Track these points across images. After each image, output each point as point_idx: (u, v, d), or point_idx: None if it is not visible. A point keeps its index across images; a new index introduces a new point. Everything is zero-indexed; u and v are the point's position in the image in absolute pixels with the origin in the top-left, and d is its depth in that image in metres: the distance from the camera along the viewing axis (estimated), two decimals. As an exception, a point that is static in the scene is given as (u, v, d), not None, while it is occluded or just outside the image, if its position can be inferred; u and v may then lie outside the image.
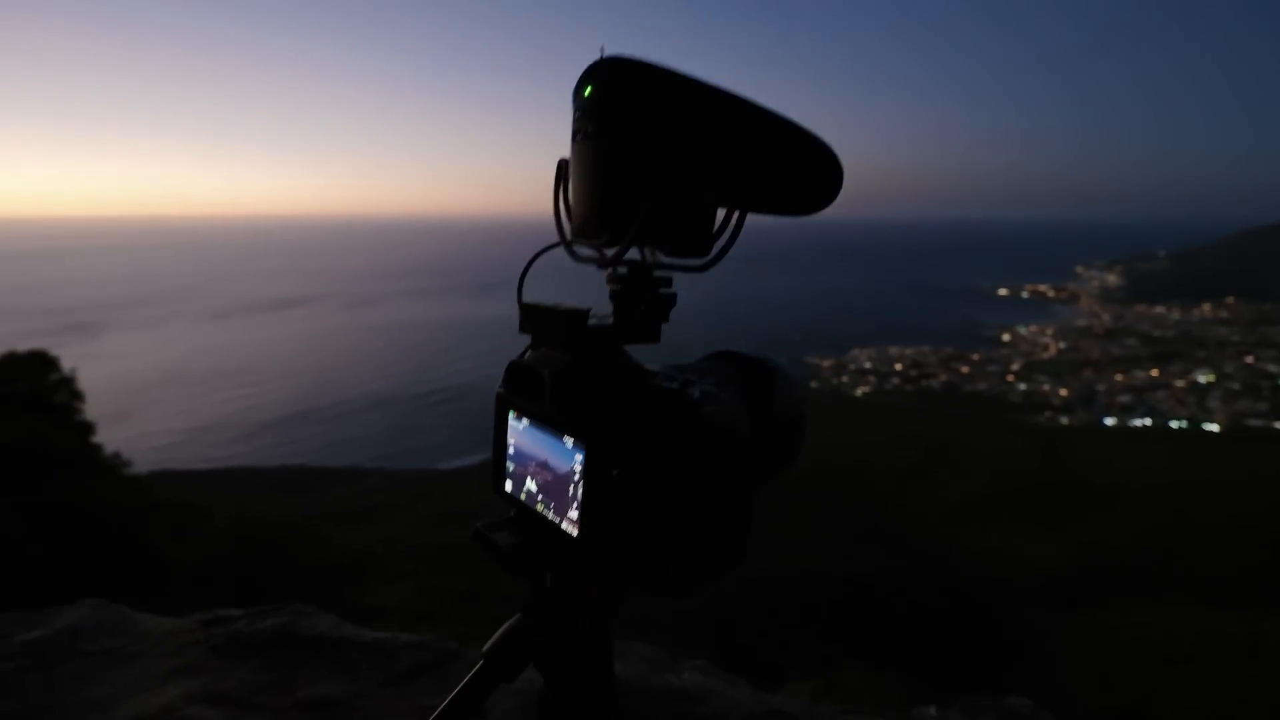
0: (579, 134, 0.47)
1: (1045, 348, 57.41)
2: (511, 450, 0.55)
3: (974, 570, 19.20)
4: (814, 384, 48.19)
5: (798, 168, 0.53)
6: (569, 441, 0.48)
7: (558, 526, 0.50)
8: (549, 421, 0.51)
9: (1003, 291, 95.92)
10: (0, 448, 7.75)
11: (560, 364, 0.49)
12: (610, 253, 0.50)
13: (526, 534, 0.52)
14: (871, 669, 12.34)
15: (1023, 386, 47.25)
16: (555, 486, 0.50)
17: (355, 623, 1.30)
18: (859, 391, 46.70)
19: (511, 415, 0.55)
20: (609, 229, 0.48)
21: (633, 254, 0.52)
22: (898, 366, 51.58)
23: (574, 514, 0.48)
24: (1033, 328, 63.81)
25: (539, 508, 0.52)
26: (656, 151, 0.46)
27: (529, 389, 0.50)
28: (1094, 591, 17.85)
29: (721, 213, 0.53)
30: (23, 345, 10.42)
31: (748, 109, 0.49)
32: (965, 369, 50.84)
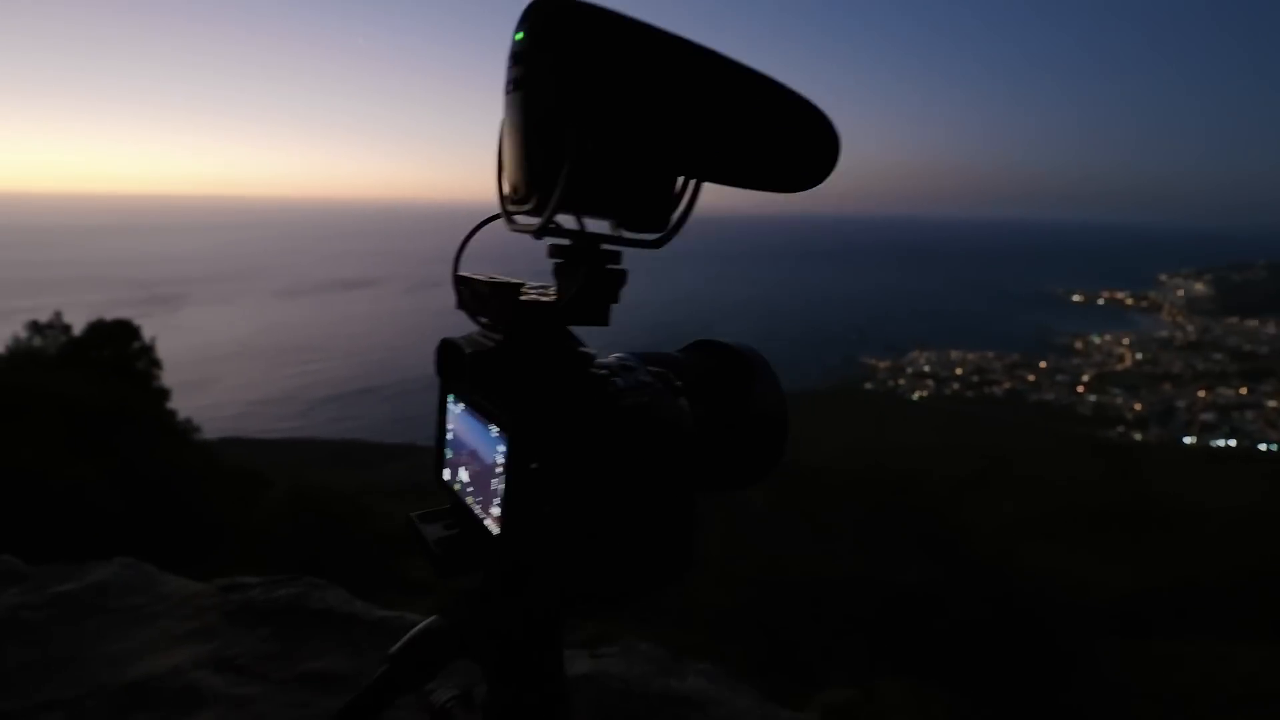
0: (508, 85, 0.41)
1: (1120, 358, 54.09)
2: (450, 436, 0.51)
3: (1031, 588, 18.27)
4: (869, 385, 46.80)
5: (777, 134, 0.46)
6: (494, 430, 0.44)
7: (482, 522, 0.46)
8: (477, 407, 0.47)
9: (1077, 298, 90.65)
10: (88, 408, 8.36)
11: (485, 344, 0.45)
12: (527, 220, 0.44)
13: (457, 529, 0.48)
14: (914, 682, 11.97)
15: (1094, 398, 44.57)
16: (482, 478, 0.46)
17: (404, 594, 1.29)
18: (916, 395, 45.03)
19: (451, 398, 0.51)
20: (536, 193, 0.42)
21: (592, 226, 0.46)
22: (958, 371, 49.52)
23: (495, 510, 0.44)
24: (1108, 337, 60.14)
25: (469, 500, 0.48)
26: (586, 101, 0.39)
27: (455, 369, 0.46)
28: (1164, 621, 16.71)
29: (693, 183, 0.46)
30: (110, 314, 11.21)
31: (711, 60, 0.42)
32: (1031, 377, 48.26)
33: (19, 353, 10.36)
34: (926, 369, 50.01)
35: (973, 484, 24.47)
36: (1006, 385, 46.86)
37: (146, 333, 10.94)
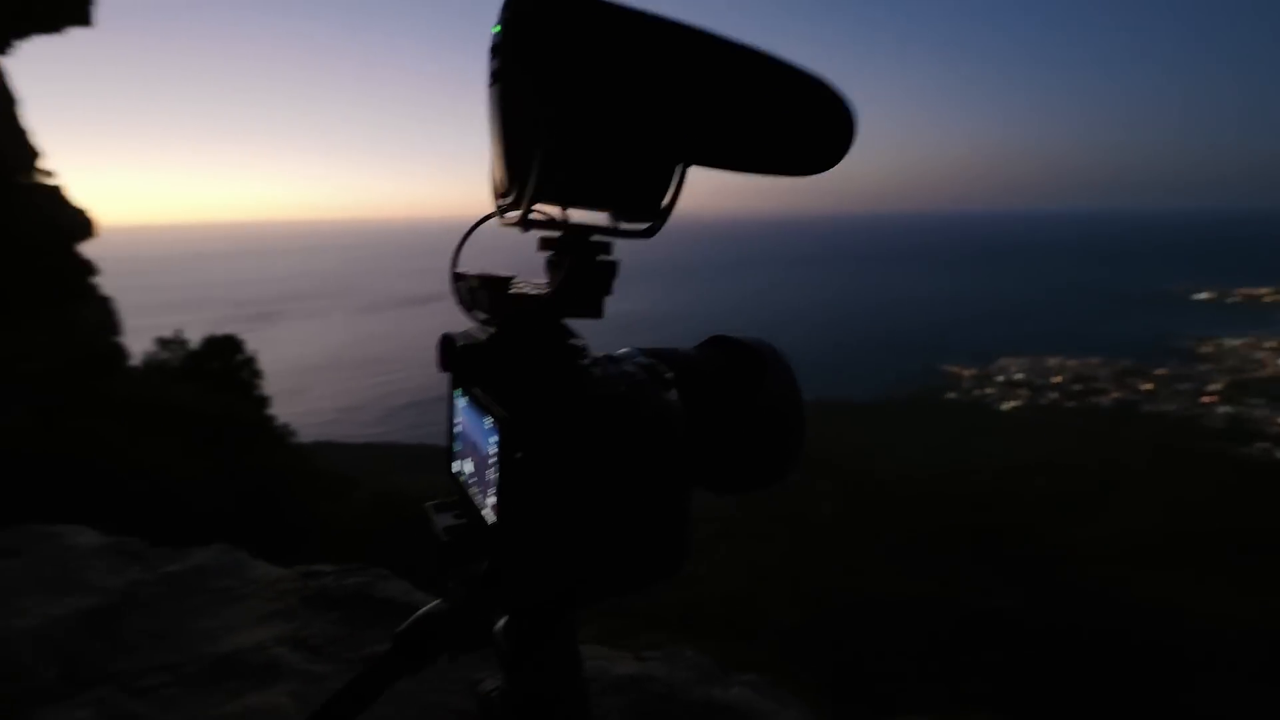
0: (489, 79, 0.41)
1: (1261, 364, 47.13)
2: (457, 429, 0.53)
3: (1140, 621, 16.45)
4: (951, 395, 44.06)
5: (779, 114, 0.44)
6: (488, 422, 0.45)
7: (480, 512, 0.47)
8: (475, 400, 0.48)
9: (1203, 295, 79.93)
10: (202, 415, 9.23)
11: (478, 337, 0.46)
12: (511, 214, 0.43)
13: (464, 519, 0.49)
14: (998, 715, 11.15)
15: (1225, 409, 38.97)
16: (480, 469, 0.47)
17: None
18: (1006, 406, 41.82)
19: (457, 393, 0.52)
20: (517, 185, 0.42)
21: (581, 217, 0.45)
22: (1056, 380, 45.51)
23: (491, 499, 0.45)
24: (1245, 340, 52.25)
25: (472, 491, 0.49)
26: (560, 91, 0.39)
27: (451, 363, 0.47)
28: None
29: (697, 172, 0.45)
30: (219, 330, 12.32)
31: (701, 40, 0.40)
32: (1147, 386, 43.32)
33: (150, 366, 11.58)
34: (1019, 377, 46.30)
35: (1075, 503, 22.38)
36: (1115, 395, 42.49)
37: (249, 347, 11.96)
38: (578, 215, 0.46)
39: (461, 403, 0.52)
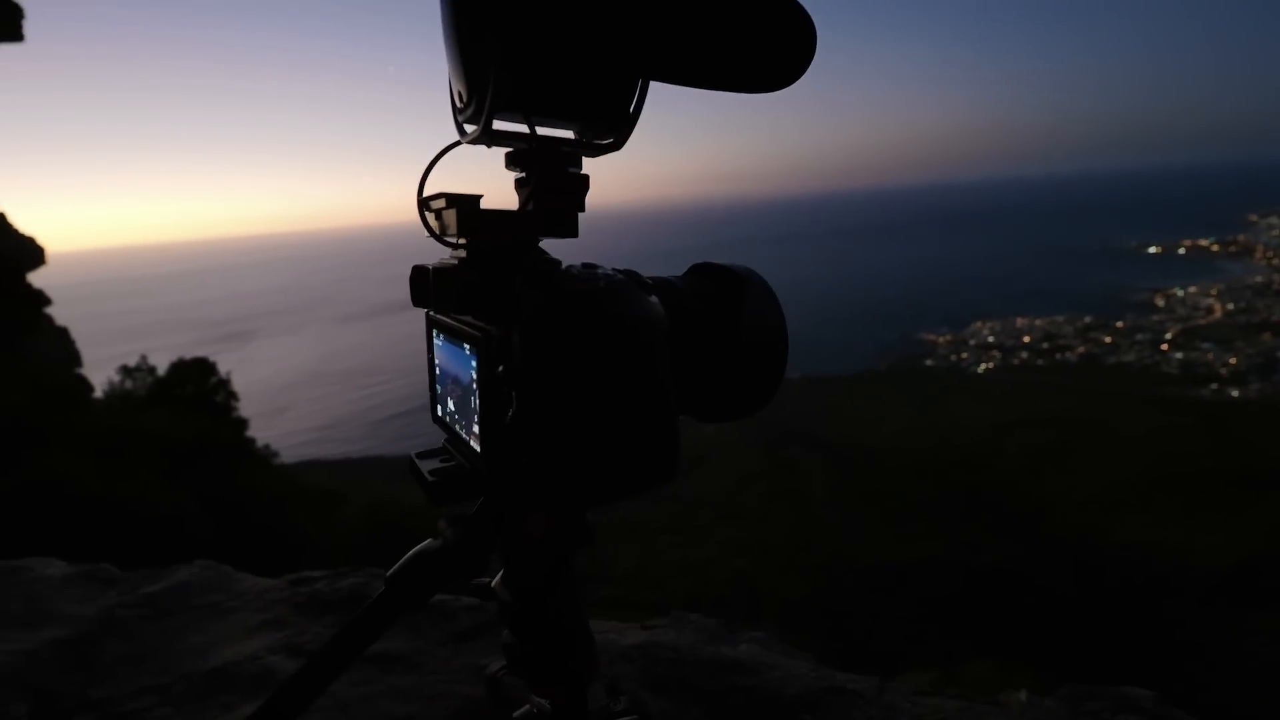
0: None
1: (1209, 310, 49.94)
2: (438, 372, 0.52)
3: (1124, 563, 17.16)
4: (929, 362, 45.05)
5: (740, 27, 0.43)
6: (466, 348, 0.44)
7: (468, 444, 0.46)
8: (449, 330, 0.46)
9: (1153, 249, 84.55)
10: (175, 442, 8.97)
11: (450, 262, 0.44)
12: (473, 128, 0.42)
13: (452, 459, 0.48)
14: (1001, 661, 11.48)
15: (1180, 356, 41.34)
16: (464, 401, 0.45)
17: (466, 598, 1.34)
18: (981, 368, 43.07)
19: (435, 333, 0.51)
20: (475, 97, 0.41)
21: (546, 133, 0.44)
22: (1025, 340, 47.03)
23: (475, 427, 0.44)
24: (1192, 288, 55.54)
25: (458, 428, 0.48)
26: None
27: (423, 293, 0.45)
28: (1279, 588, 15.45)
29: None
30: (189, 354, 11.98)
31: None
32: (1108, 339, 45.31)
33: (114, 396, 11.22)
34: (990, 340, 47.73)
35: (1050, 456, 23.15)
36: (1080, 350, 44.19)
37: (222, 368, 11.67)
38: (543, 131, 0.44)
39: (439, 341, 0.50)
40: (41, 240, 9.94)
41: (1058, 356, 43.71)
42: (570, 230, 0.46)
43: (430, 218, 0.46)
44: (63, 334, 10.04)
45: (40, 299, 9.73)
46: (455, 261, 0.44)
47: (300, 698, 0.45)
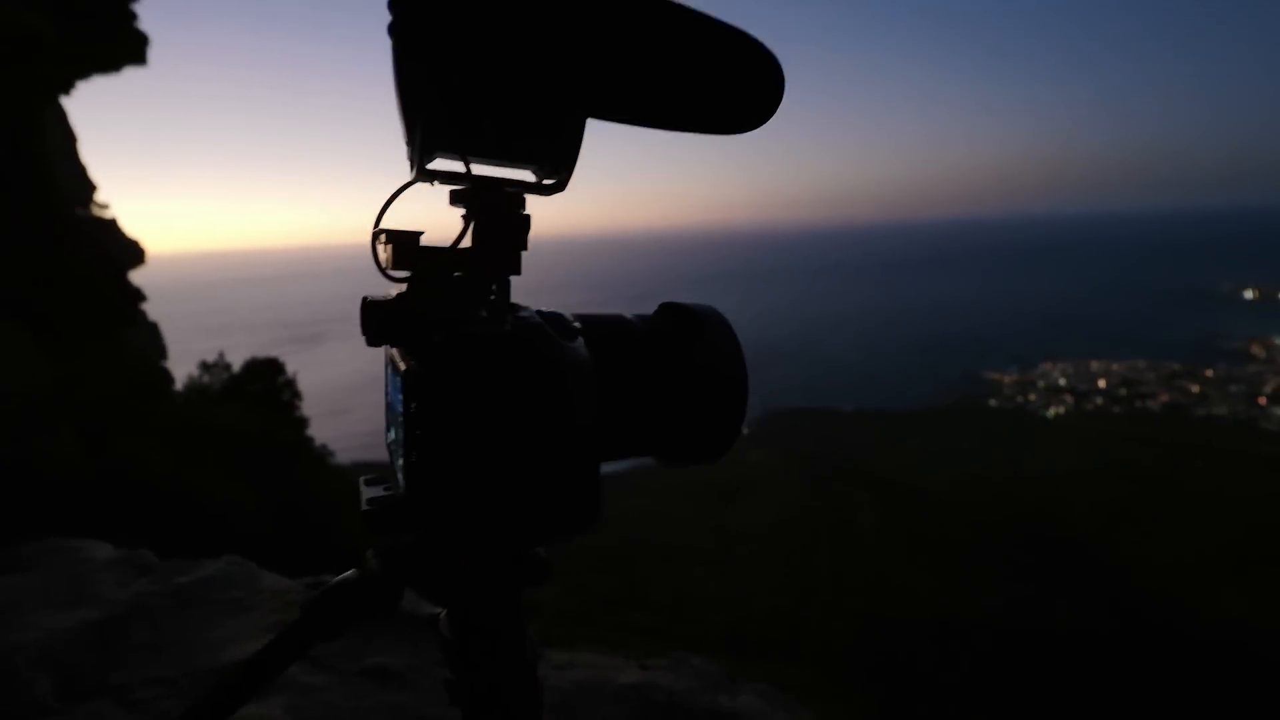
0: (388, 31, 0.40)
1: (1315, 364, 46.12)
2: (387, 397, 0.51)
3: (1218, 636, 15.51)
4: (993, 402, 42.94)
5: (698, 68, 0.42)
6: (398, 379, 0.44)
7: (398, 475, 0.45)
8: (391, 360, 0.47)
9: (1249, 294, 78.76)
10: (242, 436, 9.48)
11: (388, 294, 0.44)
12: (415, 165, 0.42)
13: (392, 488, 0.48)
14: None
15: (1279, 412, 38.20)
16: (397, 432, 0.46)
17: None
18: (1050, 412, 40.67)
19: (387, 358, 0.50)
20: (408, 139, 0.41)
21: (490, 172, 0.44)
22: (1101, 384, 44.27)
23: (400, 461, 0.44)
24: (1294, 338, 51.55)
25: (395, 457, 0.48)
26: (446, 32, 0.37)
27: (361, 324, 0.45)
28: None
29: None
30: (263, 353, 12.70)
31: None
32: (1196, 388, 42.13)
33: (192, 389, 11.99)
34: (1062, 382, 45.15)
35: (1129, 514, 21.39)
36: (1165, 399, 41.17)
37: (292, 368, 12.30)
38: (485, 170, 0.44)
39: (389, 370, 0.50)
40: (143, 243, 10.80)
41: (1137, 404, 40.89)
42: (513, 267, 0.46)
43: (380, 251, 0.47)
44: (153, 329, 10.82)
45: (138, 295, 10.54)
46: (393, 295, 0.45)
47: None
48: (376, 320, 0.43)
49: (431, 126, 0.40)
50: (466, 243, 0.46)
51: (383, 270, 0.46)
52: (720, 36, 0.42)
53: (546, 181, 0.46)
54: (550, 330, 0.43)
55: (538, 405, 0.42)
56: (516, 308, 0.46)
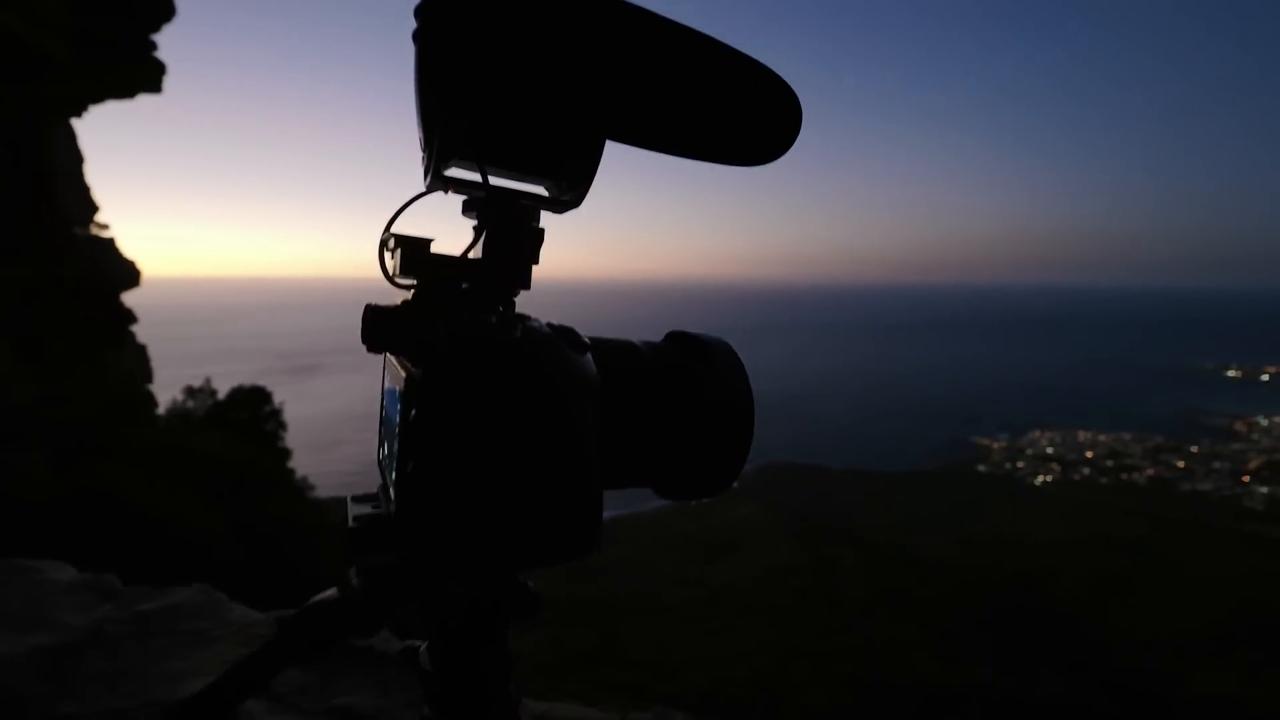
0: (412, 38, 0.39)
1: (1300, 444, 46.54)
2: (383, 412, 0.50)
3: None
4: (982, 468, 42.87)
5: (718, 97, 0.42)
6: (397, 390, 0.42)
7: (389, 492, 0.43)
8: (391, 370, 0.45)
9: (1233, 373, 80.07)
10: (223, 464, 9.28)
11: (393, 301, 0.43)
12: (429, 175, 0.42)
13: (381, 506, 0.46)
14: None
15: (1264, 490, 38.23)
16: (391, 446, 0.44)
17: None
18: (1039, 480, 40.62)
19: (385, 372, 0.49)
20: (431, 139, 0.40)
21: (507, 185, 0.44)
22: (1089, 455, 44.37)
23: (393, 474, 0.41)
24: (1279, 418, 52.22)
25: (386, 474, 0.46)
26: (474, 42, 0.37)
27: (363, 332, 0.43)
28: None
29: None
30: (256, 381, 12.59)
31: (635, 16, 0.39)
32: (1181, 463, 42.35)
33: (175, 415, 11.80)
34: (1050, 451, 45.24)
35: (1115, 587, 21.16)
36: (1150, 472, 41.27)
37: (286, 398, 12.19)
38: (500, 182, 0.44)
39: (386, 382, 0.49)
40: (139, 265, 10.82)
41: (1123, 477, 40.94)
42: (522, 281, 0.45)
43: (387, 258, 0.46)
44: (141, 351, 10.73)
45: (128, 317, 10.49)
46: (399, 302, 0.44)
47: None
48: (380, 326, 0.41)
49: (450, 133, 0.40)
50: (476, 253, 0.45)
51: (389, 277, 0.45)
52: (742, 68, 0.43)
53: (562, 198, 0.45)
54: (561, 342, 0.42)
55: (545, 417, 0.40)
56: (525, 318, 0.45)
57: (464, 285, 0.44)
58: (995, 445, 46.89)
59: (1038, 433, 48.61)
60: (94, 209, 10.58)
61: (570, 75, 0.40)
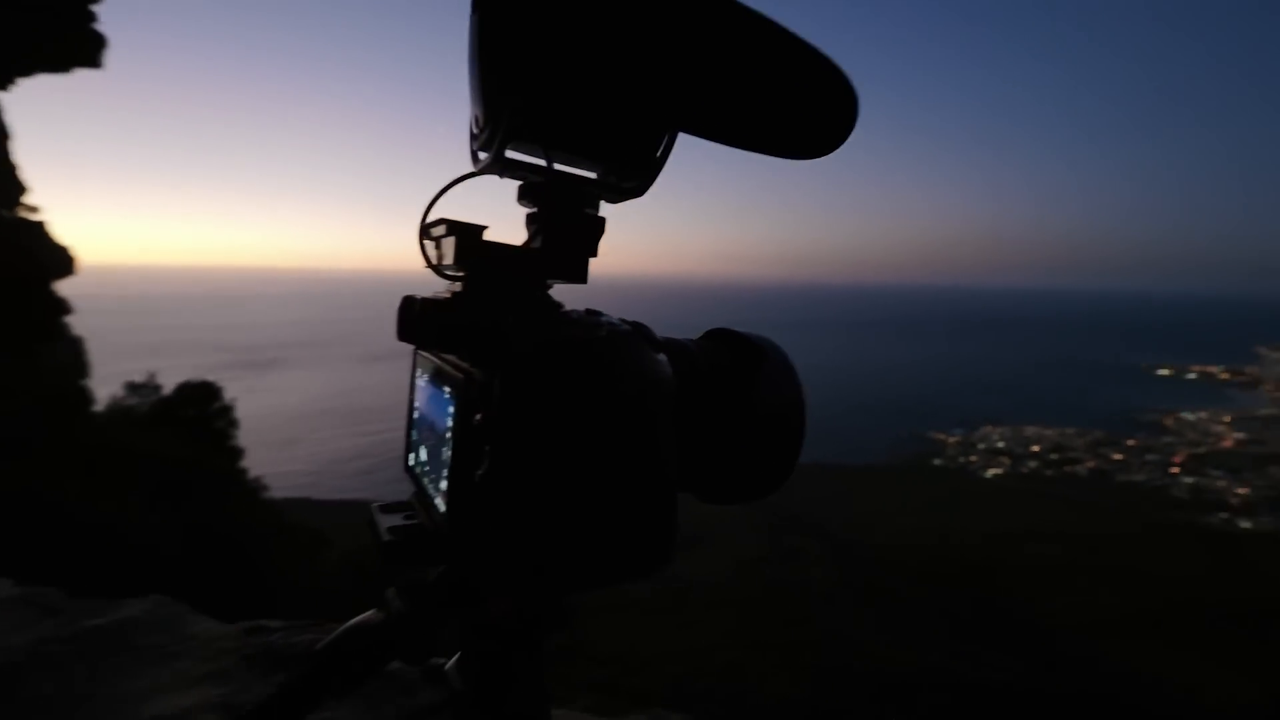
0: (471, 6, 0.37)
1: (1219, 437, 49.52)
2: (416, 415, 0.45)
3: (1144, 697, 16.19)
4: (938, 461, 44.41)
5: (783, 88, 0.40)
6: (447, 391, 0.38)
7: (434, 501, 0.39)
8: (433, 370, 0.41)
9: (1164, 371, 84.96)
10: (169, 463, 8.83)
11: (441, 294, 0.40)
12: (486, 155, 0.39)
13: (416, 516, 0.41)
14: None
15: (1190, 480, 40.68)
16: (436, 451, 0.39)
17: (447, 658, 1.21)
18: (990, 473, 42.40)
19: (419, 372, 0.44)
20: (490, 124, 0.37)
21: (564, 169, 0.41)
22: (1035, 449, 46.44)
23: (444, 483, 0.38)
24: (1202, 414, 55.39)
25: (426, 482, 0.41)
26: (545, 29, 0.35)
27: (408, 327, 0.39)
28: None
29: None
30: (209, 376, 12.01)
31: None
32: (1118, 456, 44.74)
33: (115, 411, 11.17)
34: (1000, 445, 47.23)
35: (1058, 572, 22.45)
36: (1090, 464, 43.56)
37: (239, 394, 11.66)
38: (560, 166, 0.41)
39: (421, 382, 0.44)
40: (76, 250, 10.17)
41: (1067, 469, 43.05)
42: (579, 275, 0.41)
43: (430, 246, 0.42)
44: (76, 344, 10.11)
45: (62, 307, 9.86)
46: (448, 295, 0.40)
47: None
48: (429, 320, 0.38)
49: (518, 111, 0.36)
50: (535, 243, 0.42)
51: (434, 266, 0.41)
52: (809, 58, 0.40)
53: (625, 185, 0.42)
54: (644, 342, 0.39)
55: (631, 423, 0.37)
56: (598, 314, 0.41)
57: (515, 271, 0.40)
58: (950, 440, 48.57)
59: (990, 427, 50.57)
60: (21, 189, 9.88)
61: (644, 61, 0.37)
